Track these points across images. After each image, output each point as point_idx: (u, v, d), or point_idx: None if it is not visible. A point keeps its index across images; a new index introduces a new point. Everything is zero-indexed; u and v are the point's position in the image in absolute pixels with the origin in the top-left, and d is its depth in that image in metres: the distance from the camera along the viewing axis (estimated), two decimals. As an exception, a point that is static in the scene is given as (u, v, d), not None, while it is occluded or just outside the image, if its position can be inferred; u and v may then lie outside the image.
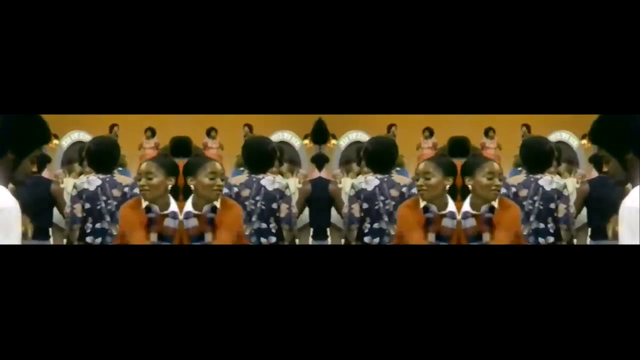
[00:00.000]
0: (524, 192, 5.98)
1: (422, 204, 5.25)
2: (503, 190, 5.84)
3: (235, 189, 5.95)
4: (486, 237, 5.19)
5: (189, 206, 5.21)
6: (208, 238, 5.20)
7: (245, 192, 5.93)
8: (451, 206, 5.25)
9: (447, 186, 5.24)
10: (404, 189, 6.12)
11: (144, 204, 5.21)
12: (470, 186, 5.22)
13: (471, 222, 5.20)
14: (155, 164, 5.22)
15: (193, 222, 5.20)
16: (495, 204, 5.20)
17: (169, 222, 5.20)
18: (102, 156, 6.14)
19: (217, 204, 5.22)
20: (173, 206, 5.24)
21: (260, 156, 5.54)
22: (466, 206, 5.25)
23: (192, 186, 5.22)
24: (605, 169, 3.66)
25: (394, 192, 6.08)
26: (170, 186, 5.23)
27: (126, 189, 6.10)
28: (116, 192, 6.12)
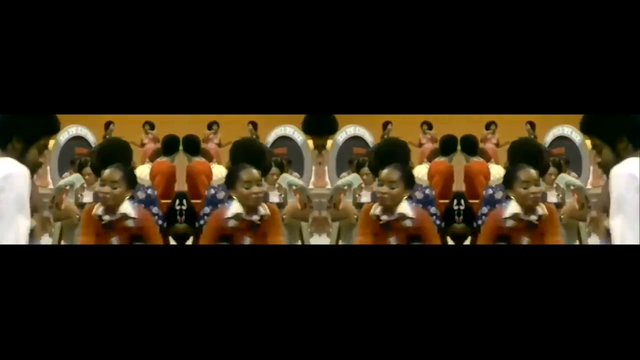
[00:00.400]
0: (499, 195, 5.98)
1: (378, 209, 5.29)
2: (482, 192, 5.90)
3: (212, 191, 5.93)
4: (524, 241, 5.27)
5: (238, 208, 5.25)
6: (247, 241, 5.24)
7: (221, 195, 5.91)
8: (402, 208, 5.27)
9: (404, 198, 5.28)
10: (427, 191, 6.10)
11: (99, 209, 5.27)
12: (513, 197, 5.31)
13: (511, 223, 5.30)
14: (120, 173, 5.25)
15: (233, 223, 5.25)
16: (541, 210, 5.30)
17: (128, 223, 5.25)
18: (115, 157, 6.05)
19: (263, 210, 5.28)
20: (124, 208, 5.27)
21: (247, 157, 5.51)
22: (515, 208, 5.30)
23: (235, 197, 5.27)
24: (598, 159, 3.64)
25: (418, 195, 6.03)
26: (127, 198, 5.26)
27: (149, 191, 6.07)
28: (141, 195, 6.08)
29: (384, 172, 5.30)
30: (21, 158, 3.59)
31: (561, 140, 14.99)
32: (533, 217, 5.30)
